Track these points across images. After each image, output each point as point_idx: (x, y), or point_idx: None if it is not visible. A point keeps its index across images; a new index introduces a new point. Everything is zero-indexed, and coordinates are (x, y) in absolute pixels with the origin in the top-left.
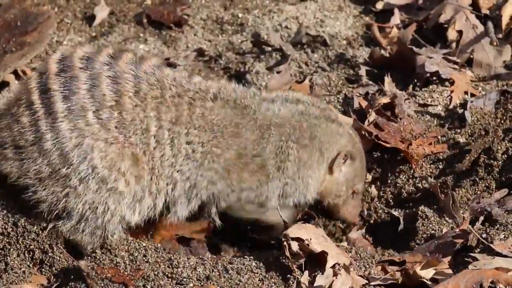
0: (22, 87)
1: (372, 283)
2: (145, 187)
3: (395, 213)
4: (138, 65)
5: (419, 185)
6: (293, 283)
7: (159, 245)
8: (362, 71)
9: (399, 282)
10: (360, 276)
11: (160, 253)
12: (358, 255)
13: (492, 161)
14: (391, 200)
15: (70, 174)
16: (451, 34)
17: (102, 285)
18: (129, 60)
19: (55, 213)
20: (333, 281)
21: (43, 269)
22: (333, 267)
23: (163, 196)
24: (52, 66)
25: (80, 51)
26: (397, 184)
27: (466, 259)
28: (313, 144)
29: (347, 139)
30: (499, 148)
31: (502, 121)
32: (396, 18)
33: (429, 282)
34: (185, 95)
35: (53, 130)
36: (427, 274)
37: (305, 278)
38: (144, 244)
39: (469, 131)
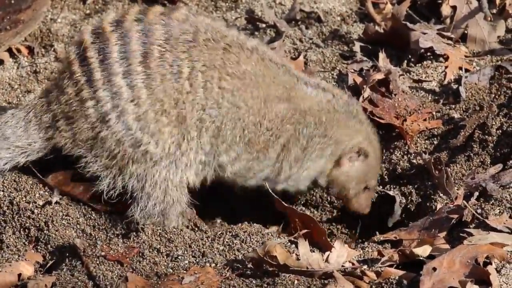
0: (65, 61)
1: (373, 267)
2: (178, 143)
3: (390, 192)
4: (169, 14)
5: (414, 161)
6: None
7: None
8: (357, 47)
9: (397, 263)
10: (359, 261)
11: (155, 230)
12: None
13: (486, 136)
14: (386, 177)
15: (108, 136)
16: (445, 10)
17: (98, 262)
18: (158, 10)
19: (116, 193)
20: (329, 254)
21: (38, 247)
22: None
23: (196, 148)
24: (87, 36)
25: (110, 16)
26: (392, 160)
27: (461, 234)
28: (325, 137)
29: (364, 136)
30: (494, 123)
31: (497, 96)
32: None
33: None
34: (221, 41)
35: (94, 96)
36: (424, 252)
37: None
38: None
39: (464, 106)
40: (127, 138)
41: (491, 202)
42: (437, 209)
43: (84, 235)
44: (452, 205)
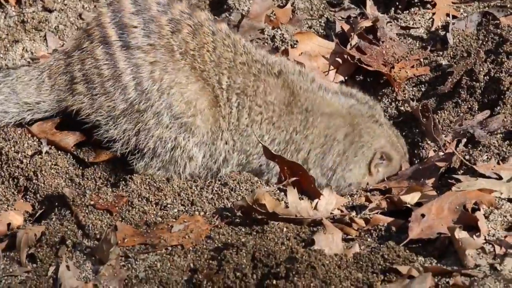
0: (93, 23)
1: (361, 214)
2: (217, 131)
3: None
4: (214, 22)
5: (402, 108)
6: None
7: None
8: None
9: (386, 210)
10: (347, 208)
11: (144, 179)
12: None
13: (474, 82)
14: None
15: (146, 109)
16: None
17: (87, 211)
18: (206, 16)
19: (128, 151)
20: (317, 202)
21: (27, 196)
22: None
23: (224, 148)
24: (127, 5)
25: None
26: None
27: (449, 180)
28: (357, 141)
29: (385, 140)
30: (481, 69)
31: (484, 43)
32: None
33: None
34: (253, 65)
35: (133, 64)
36: (412, 199)
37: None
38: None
39: (451, 53)
40: (168, 111)
41: (479, 149)
42: (427, 158)
43: (73, 184)
44: (441, 153)
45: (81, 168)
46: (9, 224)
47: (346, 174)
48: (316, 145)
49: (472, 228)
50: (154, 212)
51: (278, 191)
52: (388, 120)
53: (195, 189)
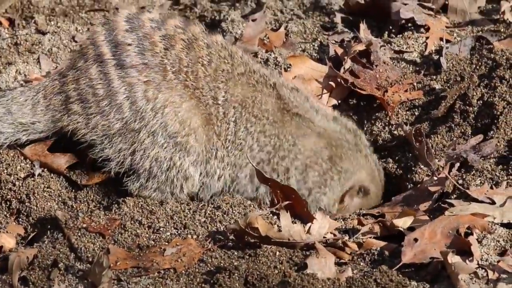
0: (88, 42)
1: (354, 237)
2: (212, 149)
3: None
4: (209, 35)
5: (395, 132)
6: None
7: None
8: (338, 18)
9: (379, 235)
10: (338, 230)
11: (137, 202)
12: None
13: (467, 107)
14: None
15: (141, 128)
16: None
17: (79, 234)
18: (200, 29)
19: (122, 171)
20: (310, 225)
21: (20, 219)
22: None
23: (219, 166)
24: (121, 23)
25: (148, 14)
26: (373, 132)
27: (442, 205)
28: (338, 167)
29: (367, 173)
30: (475, 94)
31: (478, 67)
32: None
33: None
34: (251, 76)
35: (127, 83)
36: (404, 223)
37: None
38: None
39: (445, 77)
40: (162, 130)
41: (472, 173)
42: (420, 184)
43: (66, 207)
44: (435, 179)
45: (73, 190)
46: (1, 247)
47: (320, 197)
48: (302, 156)
49: (465, 252)
50: (147, 235)
51: (271, 215)
52: (371, 152)
53: (188, 212)
